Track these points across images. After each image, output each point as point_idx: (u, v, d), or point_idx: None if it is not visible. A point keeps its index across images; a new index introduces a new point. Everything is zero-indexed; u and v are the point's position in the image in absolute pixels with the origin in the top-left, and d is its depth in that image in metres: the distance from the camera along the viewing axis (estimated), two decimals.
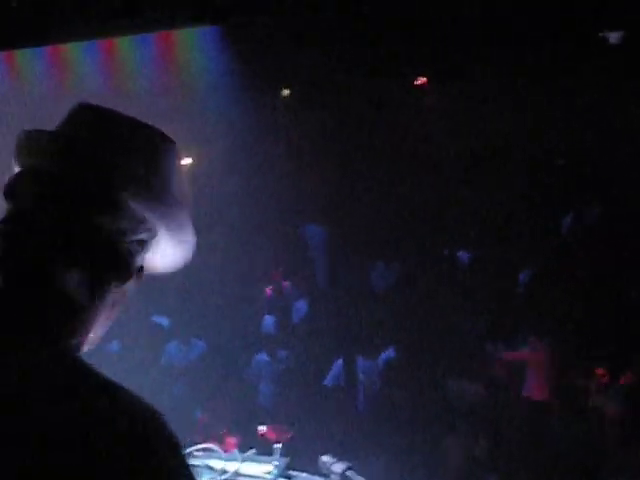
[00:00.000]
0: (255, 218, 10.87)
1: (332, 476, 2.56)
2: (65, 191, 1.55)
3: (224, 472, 2.73)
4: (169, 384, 9.04)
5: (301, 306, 10.47)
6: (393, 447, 6.98)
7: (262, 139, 10.99)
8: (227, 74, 9.94)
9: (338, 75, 9.85)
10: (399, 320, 9.44)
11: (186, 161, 12.97)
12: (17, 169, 1.64)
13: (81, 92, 10.01)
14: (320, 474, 2.67)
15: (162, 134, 1.71)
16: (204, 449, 2.93)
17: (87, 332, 1.60)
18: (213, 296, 10.28)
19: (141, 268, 1.69)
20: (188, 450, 2.91)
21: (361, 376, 8.85)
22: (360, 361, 8.92)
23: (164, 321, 10.11)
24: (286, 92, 11.97)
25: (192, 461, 2.87)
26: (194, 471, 1.48)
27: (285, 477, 2.74)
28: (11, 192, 1.59)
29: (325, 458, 2.60)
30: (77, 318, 1.55)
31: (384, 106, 10.90)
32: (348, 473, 2.53)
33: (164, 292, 10.16)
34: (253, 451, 2.89)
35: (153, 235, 1.66)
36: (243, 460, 2.80)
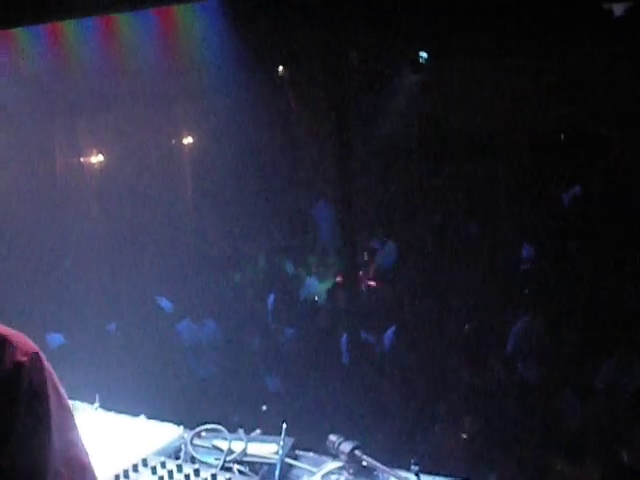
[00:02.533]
0: (257, 198, 10.85)
1: (340, 455, 2.54)
2: None
3: (231, 452, 2.72)
4: (178, 361, 9.07)
5: (310, 283, 10.51)
6: (399, 426, 6.98)
7: (264, 118, 10.94)
8: (228, 51, 9.87)
9: (337, 52, 9.76)
10: (403, 298, 9.47)
11: (187, 140, 12.95)
12: None
13: (81, 70, 9.95)
14: (328, 453, 2.66)
15: None
16: (210, 429, 2.92)
17: None
18: (218, 277, 10.30)
19: None
20: (195, 430, 2.90)
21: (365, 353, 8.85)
22: (365, 338, 8.92)
23: (166, 304, 10.14)
24: (282, 69, 11.87)
25: (198, 441, 2.86)
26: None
27: (291, 457, 2.73)
28: None
29: (333, 437, 2.58)
30: None
31: (385, 83, 10.87)
32: (356, 452, 2.51)
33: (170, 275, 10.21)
34: (258, 431, 2.88)
35: None
36: (249, 440, 2.79)
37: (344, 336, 8.95)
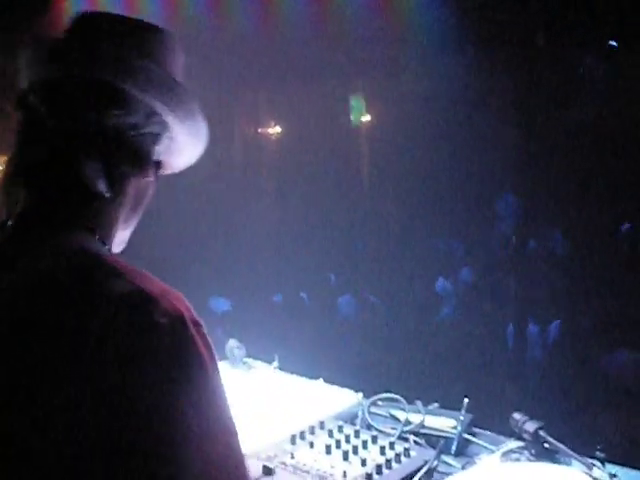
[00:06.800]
0: (435, 182, 10.74)
1: (523, 434, 2.48)
2: (70, 91, 1.63)
3: (408, 423, 2.70)
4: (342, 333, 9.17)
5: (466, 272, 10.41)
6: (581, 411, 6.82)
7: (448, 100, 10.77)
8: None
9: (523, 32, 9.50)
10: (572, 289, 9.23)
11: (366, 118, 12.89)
12: (25, 82, 1.72)
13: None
14: (504, 433, 2.61)
15: (163, 29, 1.76)
16: (388, 399, 2.91)
17: (113, 224, 1.70)
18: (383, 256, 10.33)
19: (158, 163, 1.79)
20: (373, 398, 2.91)
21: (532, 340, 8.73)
22: (531, 326, 8.79)
23: (331, 277, 10.32)
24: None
25: (375, 409, 2.86)
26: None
27: (469, 433, 2.68)
28: (22, 103, 1.68)
29: (517, 415, 2.52)
30: (99, 207, 1.65)
31: (572, 69, 10.47)
32: (540, 432, 2.44)
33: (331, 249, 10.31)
34: (436, 405, 2.86)
35: (166, 129, 1.73)
36: (427, 413, 2.77)
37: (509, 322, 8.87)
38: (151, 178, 1.75)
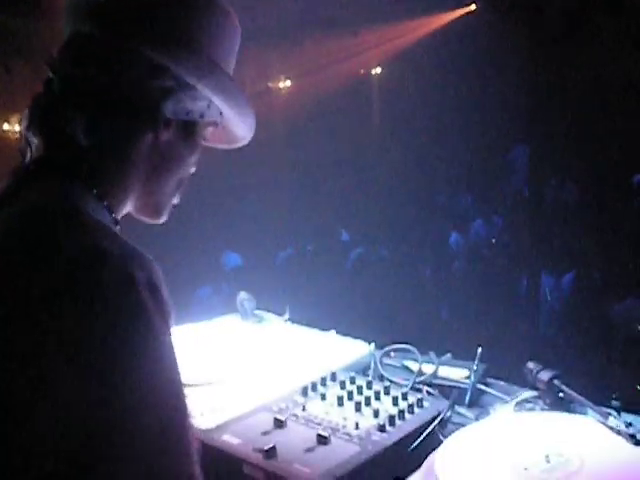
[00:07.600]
0: (448, 135, 10.70)
1: (537, 384, 2.45)
2: (68, 46, 1.67)
3: (421, 374, 2.68)
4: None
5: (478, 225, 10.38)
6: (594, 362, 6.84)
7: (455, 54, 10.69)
8: None
9: None
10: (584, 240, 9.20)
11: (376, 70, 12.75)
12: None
13: None
14: (518, 383, 2.59)
15: None
16: (401, 349, 2.89)
17: (121, 181, 1.68)
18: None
19: (187, 125, 1.72)
20: (385, 349, 2.88)
21: (545, 292, 8.70)
22: (544, 278, 8.76)
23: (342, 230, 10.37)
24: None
25: (387, 360, 2.84)
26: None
27: (483, 383, 2.66)
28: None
29: (531, 365, 2.49)
30: (99, 161, 1.63)
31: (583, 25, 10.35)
32: (555, 381, 2.41)
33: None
34: (449, 355, 2.83)
35: (182, 85, 1.65)
36: (440, 363, 2.74)
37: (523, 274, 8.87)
38: (165, 137, 1.69)
